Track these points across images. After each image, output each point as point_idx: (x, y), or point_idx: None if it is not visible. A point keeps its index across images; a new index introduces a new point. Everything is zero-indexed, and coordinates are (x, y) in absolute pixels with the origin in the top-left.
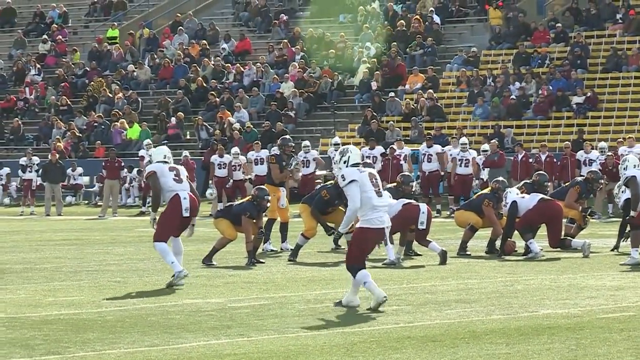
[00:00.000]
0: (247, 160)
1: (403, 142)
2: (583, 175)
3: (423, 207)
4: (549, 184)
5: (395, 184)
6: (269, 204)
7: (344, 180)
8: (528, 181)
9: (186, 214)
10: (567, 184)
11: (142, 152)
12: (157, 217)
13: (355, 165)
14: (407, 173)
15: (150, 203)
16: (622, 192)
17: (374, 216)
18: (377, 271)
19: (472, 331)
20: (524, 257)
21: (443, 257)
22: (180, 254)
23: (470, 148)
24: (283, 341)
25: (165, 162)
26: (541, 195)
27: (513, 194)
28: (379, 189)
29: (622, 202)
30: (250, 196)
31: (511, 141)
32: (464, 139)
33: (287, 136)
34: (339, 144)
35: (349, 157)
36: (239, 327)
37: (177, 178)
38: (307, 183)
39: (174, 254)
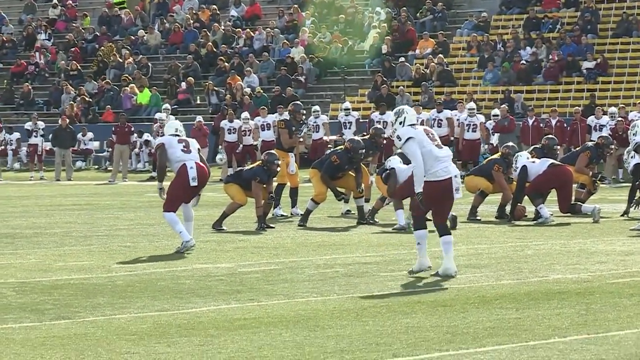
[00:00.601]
0: (254, 126)
1: (421, 108)
2: (593, 141)
3: None
4: (559, 147)
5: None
6: (278, 169)
7: (399, 140)
8: (538, 146)
9: (194, 183)
10: (577, 148)
11: (158, 115)
12: (165, 188)
13: (411, 125)
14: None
15: (156, 174)
16: (632, 157)
17: (438, 168)
18: (387, 236)
19: (482, 296)
20: (534, 222)
21: (453, 222)
22: (190, 220)
23: (478, 113)
24: (293, 306)
25: (177, 135)
26: (551, 161)
27: (523, 158)
28: (438, 142)
29: (631, 167)
30: (260, 161)
31: (521, 106)
32: (471, 104)
33: (299, 102)
34: (349, 109)
35: (405, 117)
36: (249, 291)
37: (185, 149)
38: (317, 148)
39: (185, 220)
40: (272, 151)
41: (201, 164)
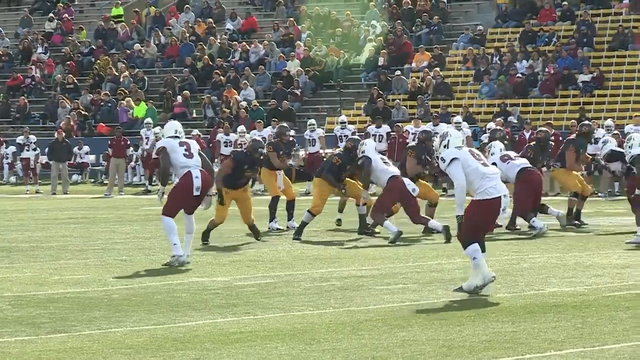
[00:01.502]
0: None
1: (420, 121)
2: (592, 155)
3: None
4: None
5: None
6: (262, 157)
7: (443, 162)
8: (532, 144)
9: (197, 192)
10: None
11: (143, 132)
12: (165, 192)
13: (456, 148)
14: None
15: (159, 178)
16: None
17: (488, 186)
18: (383, 249)
19: (478, 309)
20: (532, 236)
21: (447, 233)
22: (191, 232)
23: (472, 126)
24: (289, 319)
25: (177, 137)
26: (519, 165)
27: (497, 149)
28: (484, 162)
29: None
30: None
31: (517, 119)
32: (457, 118)
33: (285, 124)
34: (345, 123)
35: (448, 140)
36: (245, 305)
37: (187, 153)
38: (313, 162)
39: (186, 232)
40: (259, 139)
41: (205, 171)
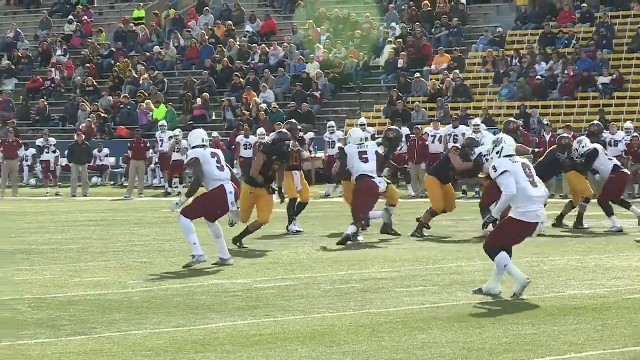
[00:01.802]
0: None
1: (439, 124)
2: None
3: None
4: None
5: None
6: (290, 149)
7: (495, 171)
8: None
9: (233, 208)
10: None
11: (157, 135)
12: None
13: (509, 156)
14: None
15: (187, 188)
16: None
17: (529, 210)
18: (403, 252)
19: (498, 312)
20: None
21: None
22: (220, 236)
23: (488, 129)
24: (309, 322)
25: (204, 145)
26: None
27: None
28: (534, 179)
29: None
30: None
31: (537, 122)
32: (476, 120)
33: (294, 120)
34: (364, 125)
35: (502, 147)
36: (265, 307)
37: (219, 166)
38: (332, 164)
39: (215, 237)
40: (284, 130)
41: (234, 185)
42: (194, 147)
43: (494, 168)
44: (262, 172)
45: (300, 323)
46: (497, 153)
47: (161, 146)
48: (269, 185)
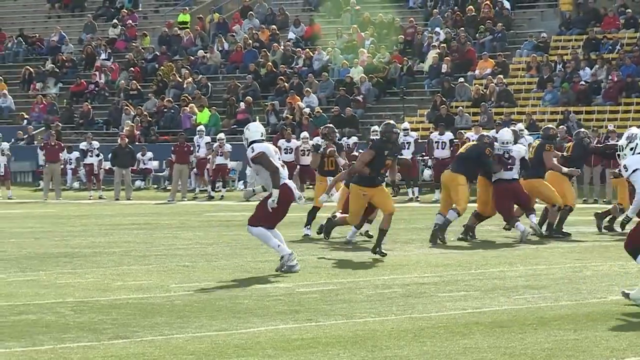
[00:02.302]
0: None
1: (481, 128)
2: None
3: None
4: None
5: None
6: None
7: (626, 170)
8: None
9: (301, 202)
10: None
11: (195, 139)
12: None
13: None
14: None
15: (270, 180)
16: None
17: None
18: (445, 256)
19: (540, 317)
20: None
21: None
22: (282, 241)
23: (530, 134)
24: (351, 326)
25: (263, 140)
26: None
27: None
28: None
29: None
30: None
31: (577, 126)
32: (520, 125)
33: (331, 124)
34: (408, 130)
35: (637, 144)
36: (307, 312)
37: (281, 162)
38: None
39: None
40: (391, 121)
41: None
42: (254, 141)
43: (625, 167)
44: (374, 169)
45: (342, 327)
46: (632, 150)
47: (198, 151)
48: (380, 181)
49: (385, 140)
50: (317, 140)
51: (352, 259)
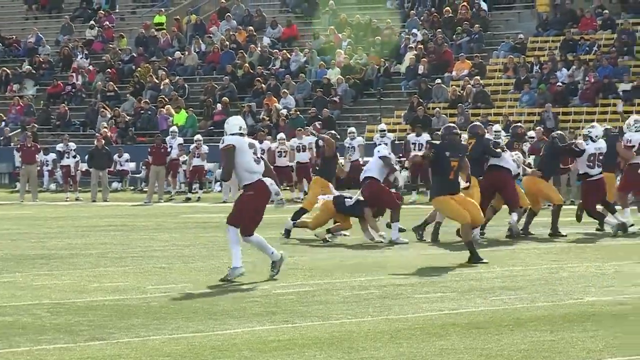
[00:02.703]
0: (290, 147)
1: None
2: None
3: None
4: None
5: None
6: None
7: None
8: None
9: (277, 198)
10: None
11: (167, 139)
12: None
13: None
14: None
15: (220, 175)
16: None
17: None
18: (422, 258)
19: (516, 318)
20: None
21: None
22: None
23: (506, 135)
24: (327, 328)
25: (242, 134)
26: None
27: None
28: None
29: None
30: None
31: (554, 125)
32: (497, 126)
33: (451, 124)
34: (384, 131)
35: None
36: (284, 313)
37: (256, 157)
38: (353, 170)
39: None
40: (450, 124)
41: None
42: (231, 134)
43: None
44: (442, 174)
45: (319, 329)
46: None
47: (169, 152)
48: (459, 187)
49: (447, 143)
50: (310, 139)
51: (328, 260)
